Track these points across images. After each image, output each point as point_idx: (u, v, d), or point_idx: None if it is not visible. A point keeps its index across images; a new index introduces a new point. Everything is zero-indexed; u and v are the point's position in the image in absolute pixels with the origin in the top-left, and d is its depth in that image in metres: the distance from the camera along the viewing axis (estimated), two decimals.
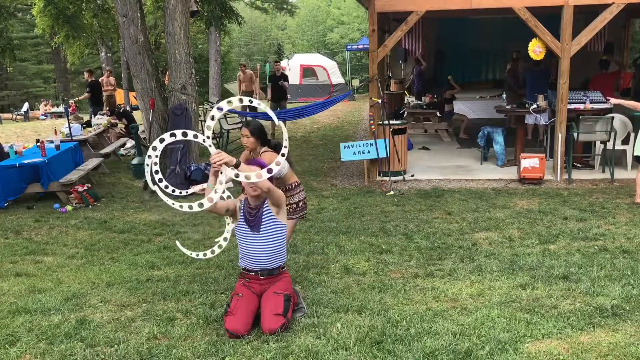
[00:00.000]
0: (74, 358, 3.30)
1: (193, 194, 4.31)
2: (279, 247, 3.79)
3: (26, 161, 7.63)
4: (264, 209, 3.74)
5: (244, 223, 3.76)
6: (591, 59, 11.06)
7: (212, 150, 3.46)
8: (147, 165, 3.84)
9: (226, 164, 3.37)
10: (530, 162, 7.69)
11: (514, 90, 10.90)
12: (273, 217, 3.73)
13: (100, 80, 14.68)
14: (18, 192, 7.65)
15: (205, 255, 4.05)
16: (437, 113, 11.55)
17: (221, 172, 3.42)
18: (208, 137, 3.53)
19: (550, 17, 8.22)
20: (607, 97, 7.72)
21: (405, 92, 14.42)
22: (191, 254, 4.09)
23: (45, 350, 3.39)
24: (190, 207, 3.48)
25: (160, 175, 3.94)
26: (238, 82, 14.92)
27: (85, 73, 14.27)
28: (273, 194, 3.64)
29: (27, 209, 7.44)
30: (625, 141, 8.18)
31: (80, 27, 13.05)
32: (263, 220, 3.72)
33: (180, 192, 4.25)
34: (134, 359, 3.25)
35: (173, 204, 3.52)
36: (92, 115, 13.01)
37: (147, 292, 4.30)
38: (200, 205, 3.45)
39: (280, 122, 3.68)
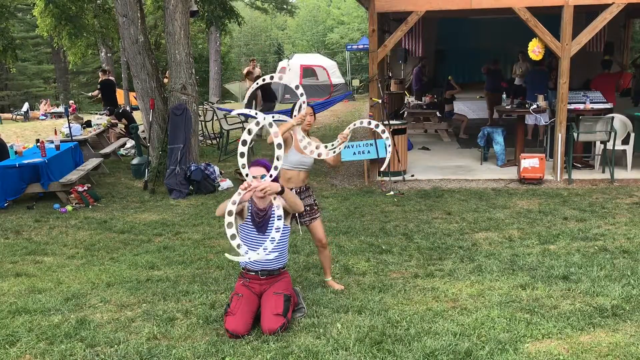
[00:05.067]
0: (74, 358, 3.30)
1: None
2: (283, 248, 3.79)
3: (26, 161, 7.62)
4: (272, 212, 3.73)
5: (251, 224, 3.74)
6: (591, 59, 11.06)
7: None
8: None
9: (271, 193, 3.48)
10: (530, 162, 7.69)
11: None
12: (280, 219, 3.70)
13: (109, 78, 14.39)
14: (18, 192, 7.64)
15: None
16: (437, 113, 11.57)
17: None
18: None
19: (550, 17, 8.23)
20: None
21: (406, 92, 14.41)
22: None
23: (45, 350, 3.39)
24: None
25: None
26: (244, 75, 14.72)
27: (99, 72, 14.24)
28: (296, 206, 3.73)
29: (27, 209, 7.44)
30: (625, 141, 8.18)
31: (82, 27, 13.05)
32: (270, 222, 3.70)
33: None
34: (134, 359, 3.25)
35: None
36: (108, 115, 12.82)
37: (147, 292, 4.30)
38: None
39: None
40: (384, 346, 3.27)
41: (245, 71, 14.56)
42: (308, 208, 4.24)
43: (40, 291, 4.43)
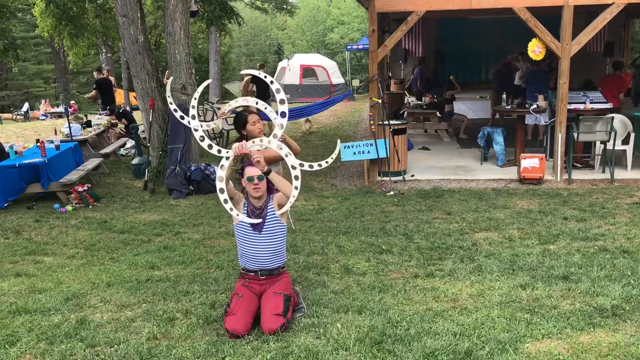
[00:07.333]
0: (74, 358, 3.30)
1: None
2: (280, 247, 3.79)
3: (26, 161, 7.63)
4: (268, 209, 3.74)
5: (247, 223, 3.75)
6: (591, 59, 11.06)
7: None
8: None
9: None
10: (530, 162, 7.69)
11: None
12: (276, 217, 3.74)
13: (107, 77, 14.32)
14: (18, 192, 7.65)
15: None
16: (437, 113, 11.57)
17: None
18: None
19: (550, 17, 8.23)
20: None
21: (406, 92, 14.41)
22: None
23: (45, 350, 3.39)
24: (219, 151, 3.69)
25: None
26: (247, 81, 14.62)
27: (95, 72, 14.20)
28: (285, 187, 3.67)
29: (27, 209, 7.44)
30: (626, 141, 8.18)
31: (83, 27, 13.04)
32: (267, 220, 3.72)
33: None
34: (134, 359, 3.25)
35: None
36: (108, 115, 12.77)
37: (147, 292, 4.30)
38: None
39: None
40: (384, 346, 3.27)
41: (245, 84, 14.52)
42: None
43: (40, 291, 4.43)
